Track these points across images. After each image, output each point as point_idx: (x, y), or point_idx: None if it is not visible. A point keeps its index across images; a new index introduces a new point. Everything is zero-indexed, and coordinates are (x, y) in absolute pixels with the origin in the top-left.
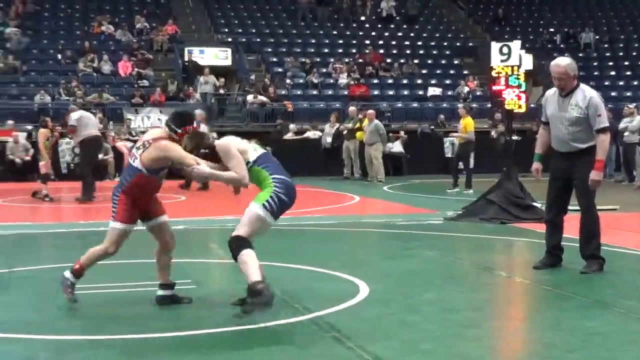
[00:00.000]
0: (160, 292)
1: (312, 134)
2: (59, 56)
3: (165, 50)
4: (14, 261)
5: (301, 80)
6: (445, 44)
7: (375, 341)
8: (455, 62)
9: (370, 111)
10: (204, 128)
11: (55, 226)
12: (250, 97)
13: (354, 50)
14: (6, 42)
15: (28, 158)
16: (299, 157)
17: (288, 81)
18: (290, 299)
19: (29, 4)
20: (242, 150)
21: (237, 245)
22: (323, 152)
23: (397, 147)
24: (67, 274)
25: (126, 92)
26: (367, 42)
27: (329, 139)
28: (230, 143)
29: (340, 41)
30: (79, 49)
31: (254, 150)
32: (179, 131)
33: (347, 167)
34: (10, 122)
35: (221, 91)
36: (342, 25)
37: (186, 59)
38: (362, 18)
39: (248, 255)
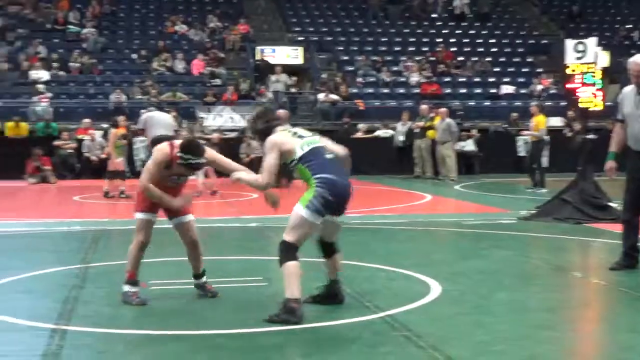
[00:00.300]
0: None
1: (382, 133)
2: (134, 56)
3: (238, 49)
4: (90, 257)
5: (372, 79)
6: (518, 41)
7: (447, 341)
8: (529, 59)
9: (443, 109)
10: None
11: (130, 222)
12: (321, 96)
13: (425, 49)
14: (83, 42)
15: (104, 156)
16: (370, 156)
17: (359, 79)
18: (361, 298)
19: (105, 5)
20: (288, 150)
21: (284, 253)
22: (395, 150)
23: (469, 145)
24: (125, 287)
25: (199, 91)
26: (439, 40)
27: (402, 138)
28: (277, 143)
29: (412, 39)
30: (153, 48)
31: (300, 148)
32: (176, 150)
33: (418, 166)
34: (86, 120)
35: (293, 90)
36: (413, 23)
37: (258, 57)
38: (434, 16)
39: (292, 268)
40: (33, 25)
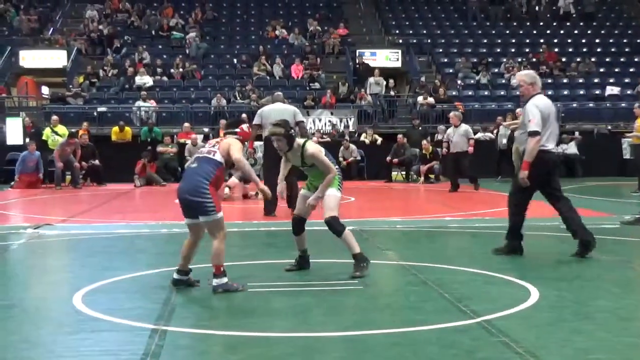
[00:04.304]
0: (177, 276)
1: (482, 136)
2: (235, 60)
3: (337, 53)
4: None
5: (472, 81)
6: (624, 40)
7: (546, 348)
8: (636, 59)
9: None
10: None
11: (233, 225)
12: (420, 99)
13: (527, 50)
14: (186, 48)
15: None
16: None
17: (459, 82)
18: (458, 302)
19: (208, 11)
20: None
21: (337, 225)
22: (498, 153)
23: (571, 148)
24: (219, 281)
25: (298, 95)
26: (541, 41)
27: (504, 140)
28: (320, 148)
29: (513, 40)
30: (254, 53)
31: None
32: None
33: (517, 169)
34: (186, 124)
35: (391, 92)
36: (515, 24)
37: (357, 61)
38: (536, 16)
39: (349, 232)
40: (138, 32)
